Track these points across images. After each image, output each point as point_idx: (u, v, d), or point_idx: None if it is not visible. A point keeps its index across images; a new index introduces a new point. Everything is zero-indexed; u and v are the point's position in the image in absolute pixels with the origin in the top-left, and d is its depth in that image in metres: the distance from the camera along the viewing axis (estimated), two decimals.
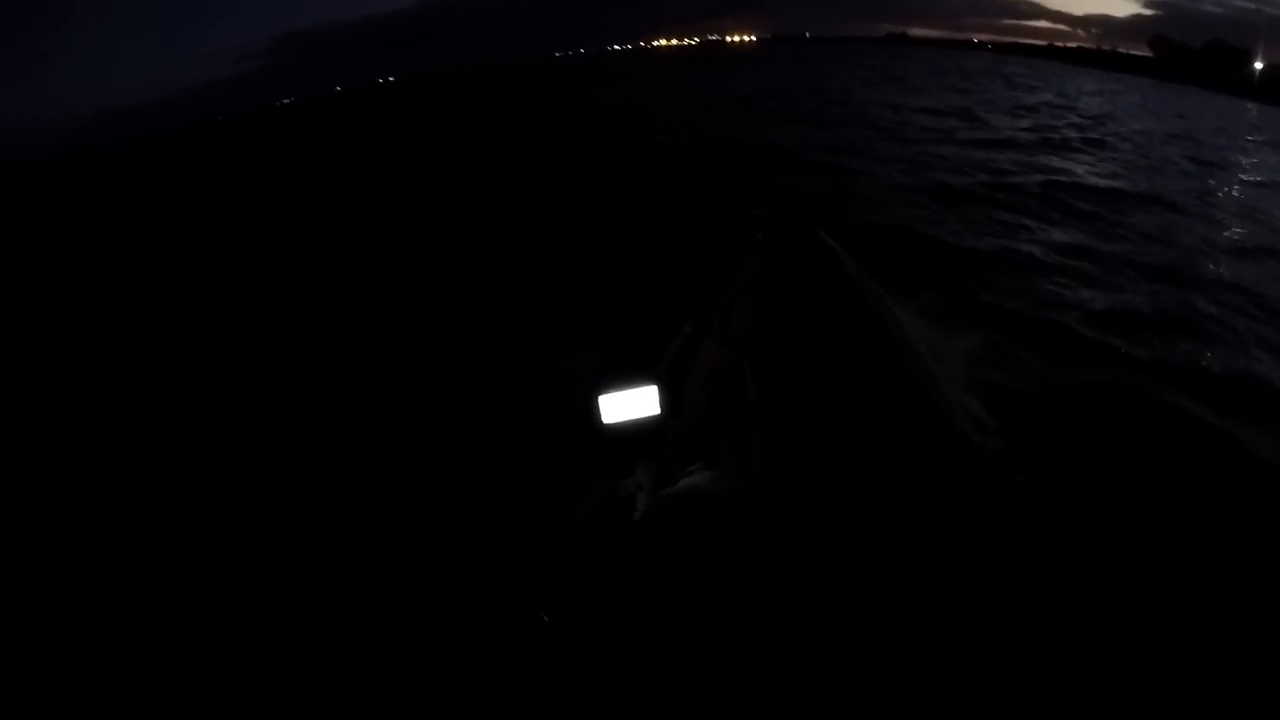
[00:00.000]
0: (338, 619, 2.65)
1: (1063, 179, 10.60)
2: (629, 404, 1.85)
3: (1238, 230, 8.82)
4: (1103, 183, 10.73)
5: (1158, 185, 11.03)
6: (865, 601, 1.29)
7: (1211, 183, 12.21)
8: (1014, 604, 1.32)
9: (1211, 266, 7.42)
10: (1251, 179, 13.30)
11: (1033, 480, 1.61)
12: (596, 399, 1.84)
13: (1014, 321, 5.33)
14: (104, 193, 25.29)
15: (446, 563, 2.74)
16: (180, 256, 10.30)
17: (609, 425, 1.86)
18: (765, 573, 1.15)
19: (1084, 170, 11.65)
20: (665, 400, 1.87)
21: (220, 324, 6.77)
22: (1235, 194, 11.76)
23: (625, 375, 1.85)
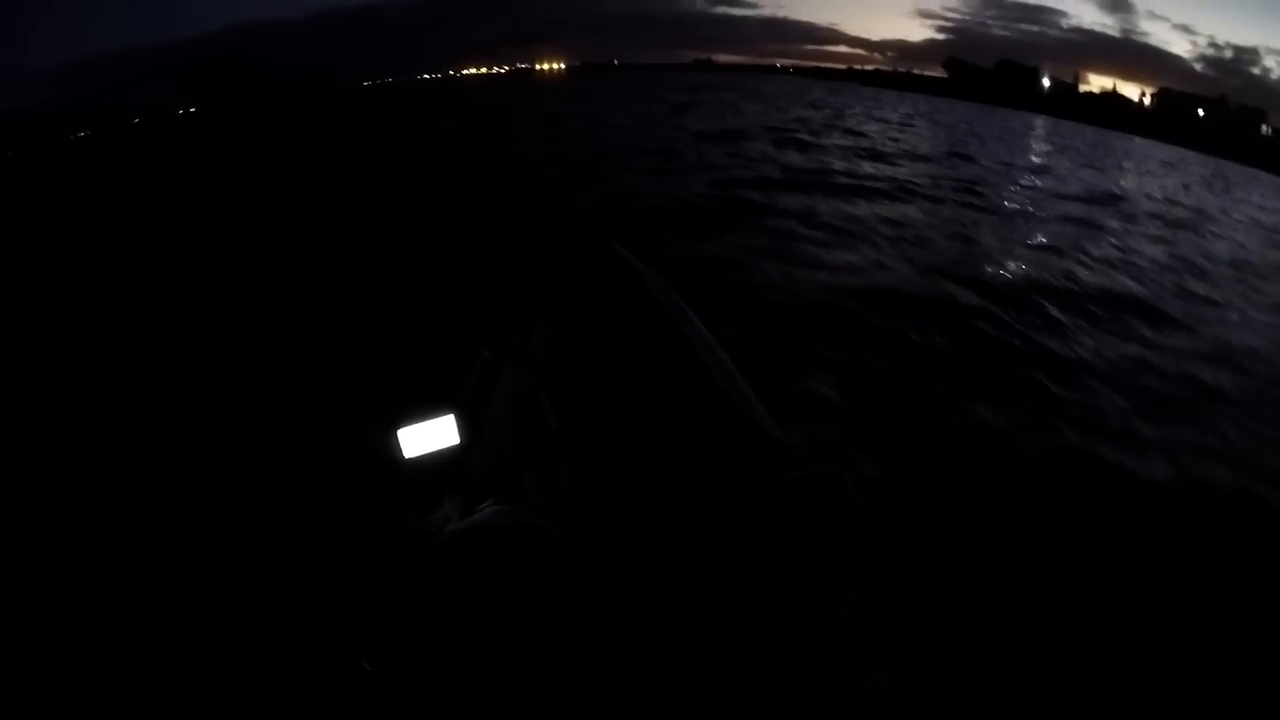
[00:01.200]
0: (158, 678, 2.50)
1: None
2: (428, 436, 1.82)
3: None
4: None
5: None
6: (675, 607, 1.32)
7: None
8: (826, 588, 1.37)
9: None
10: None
11: (836, 470, 1.69)
12: (395, 434, 1.80)
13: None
14: None
15: (261, 617, 2.60)
16: None
17: (410, 459, 1.82)
18: (554, 601, 1.16)
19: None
20: (465, 428, 1.85)
21: None
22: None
23: (423, 406, 1.82)
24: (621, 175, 12.50)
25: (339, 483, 2.98)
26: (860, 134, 22.48)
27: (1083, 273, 8.40)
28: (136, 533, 3.22)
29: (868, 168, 15.19)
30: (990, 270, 7.92)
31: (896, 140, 22.23)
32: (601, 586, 1.31)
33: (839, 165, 15.12)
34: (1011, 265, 8.35)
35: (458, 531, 1.22)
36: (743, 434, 1.93)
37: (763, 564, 1.42)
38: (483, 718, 1.26)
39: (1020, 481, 3.74)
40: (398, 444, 1.81)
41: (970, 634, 2.67)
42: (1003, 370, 5.25)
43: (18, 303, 8.46)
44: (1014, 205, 12.89)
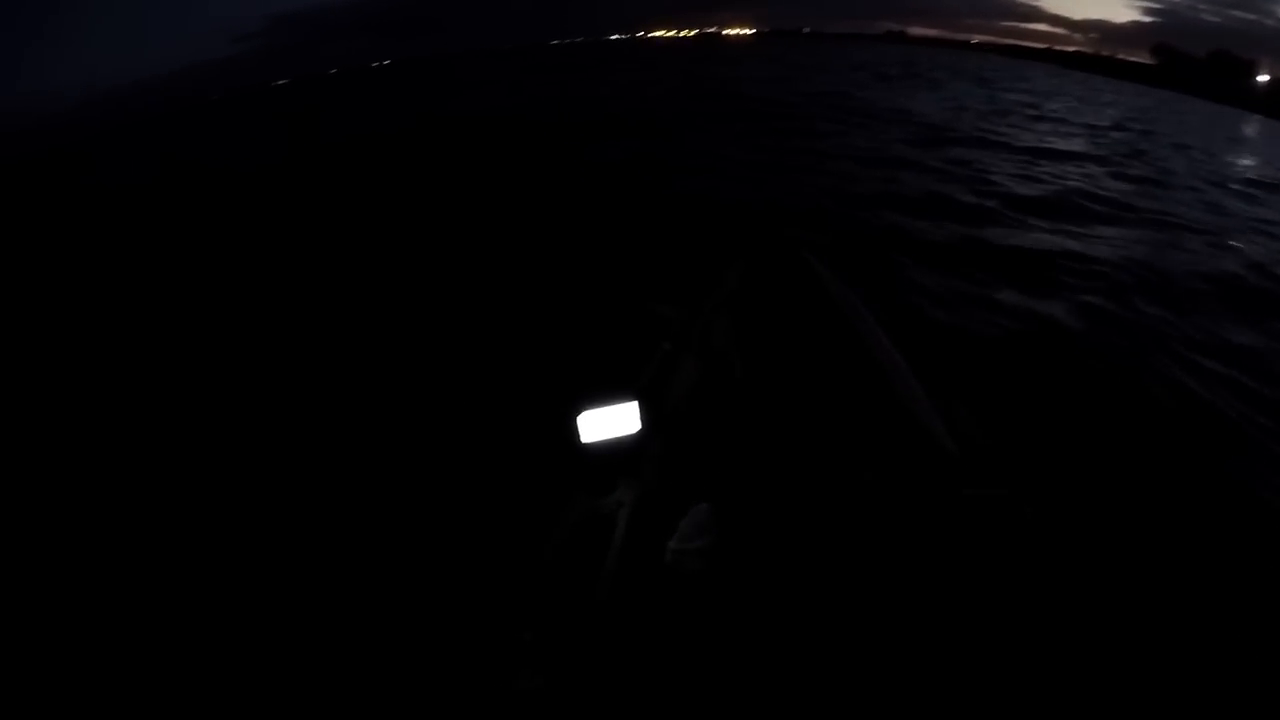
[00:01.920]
0: (320, 636, 2.64)
1: None
2: (609, 421, 1.85)
3: None
4: None
5: None
6: (846, 617, 1.30)
7: None
8: (994, 612, 1.32)
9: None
10: None
11: (1014, 494, 1.60)
12: (576, 417, 1.84)
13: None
14: (88, 175, 25.01)
15: (427, 584, 2.73)
16: (167, 240, 10.21)
17: (589, 443, 1.86)
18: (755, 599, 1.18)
19: None
20: (645, 417, 1.86)
21: (212, 316, 6.72)
22: None
23: (605, 392, 1.85)
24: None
25: (518, 462, 3.09)
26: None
27: None
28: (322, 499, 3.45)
29: None
30: None
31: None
32: (765, 582, 1.30)
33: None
34: None
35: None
36: (917, 445, 1.85)
37: (927, 576, 1.36)
38: (640, 689, 1.28)
39: None
40: (577, 428, 1.84)
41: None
42: None
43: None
44: None
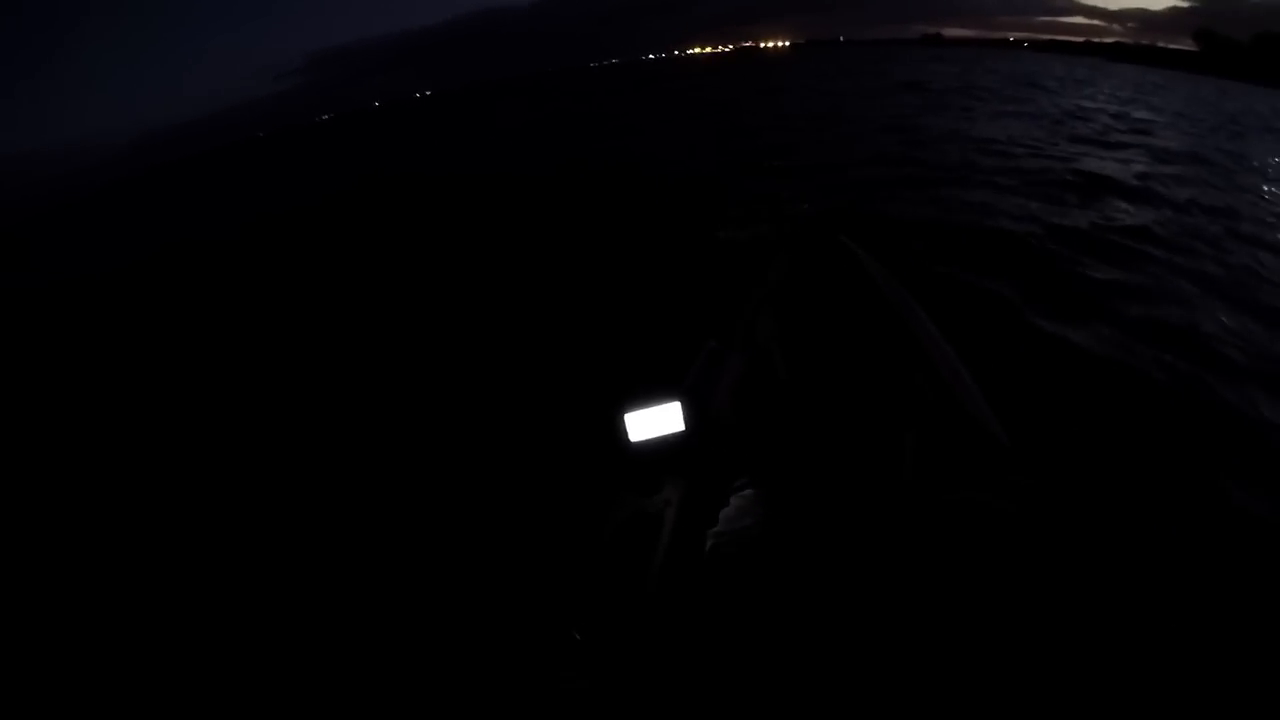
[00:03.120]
0: (362, 630, 2.67)
1: None
2: (654, 421, 1.85)
3: None
4: None
5: None
6: (890, 601, 1.28)
7: None
8: (1026, 600, 1.30)
9: None
10: None
11: (1063, 481, 1.58)
12: (622, 417, 1.85)
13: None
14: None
15: (477, 583, 2.74)
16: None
17: (635, 443, 1.86)
18: (810, 596, 1.17)
19: None
20: (690, 416, 1.86)
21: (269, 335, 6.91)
22: None
23: (650, 392, 1.85)
24: None
25: (565, 461, 3.11)
26: None
27: None
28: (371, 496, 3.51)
29: None
30: None
31: None
32: (813, 573, 1.28)
33: None
34: None
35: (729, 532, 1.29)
36: (966, 434, 1.82)
37: (976, 555, 1.34)
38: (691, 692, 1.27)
39: None
40: (624, 427, 1.85)
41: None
42: None
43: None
44: None
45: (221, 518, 3.67)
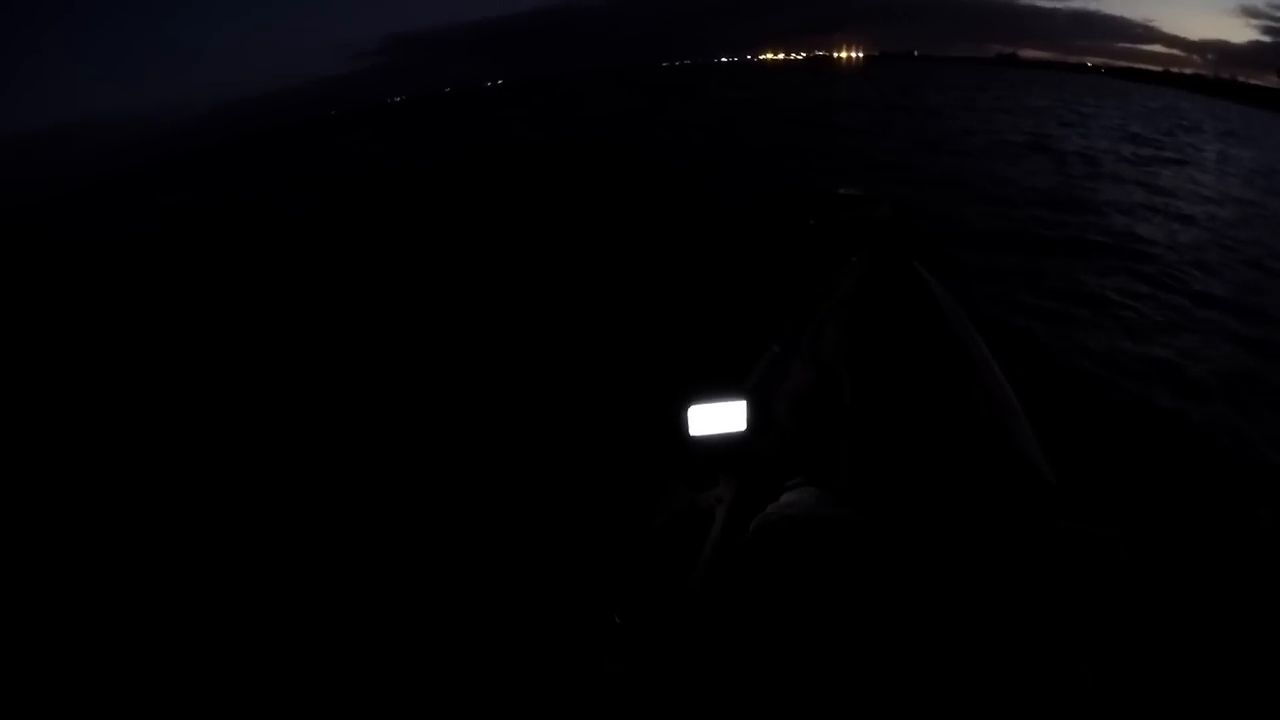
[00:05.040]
0: (404, 609, 2.72)
1: None
2: (717, 417, 1.88)
3: None
4: None
5: None
6: (930, 629, 1.30)
7: None
8: (1078, 650, 1.29)
9: None
10: None
11: (1112, 530, 1.56)
12: (686, 410, 1.87)
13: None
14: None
15: (521, 561, 2.78)
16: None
17: (696, 437, 1.88)
18: (868, 592, 1.18)
19: None
20: (752, 417, 1.88)
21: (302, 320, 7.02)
22: None
23: (715, 388, 1.88)
24: None
25: (622, 446, 3.15)
26: None
27: None
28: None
29: None
30: None
31: None
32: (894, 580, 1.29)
33: None
34: None
35: (787, 511, 1.29)
36: (1016, 470, 1.81)
37: (1010, 609, 1.33)
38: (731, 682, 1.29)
39: None
40: (686, 419, 1.87)
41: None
42: None
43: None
44: None
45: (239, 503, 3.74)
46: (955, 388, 2.03)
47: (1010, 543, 1.47)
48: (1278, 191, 13.18)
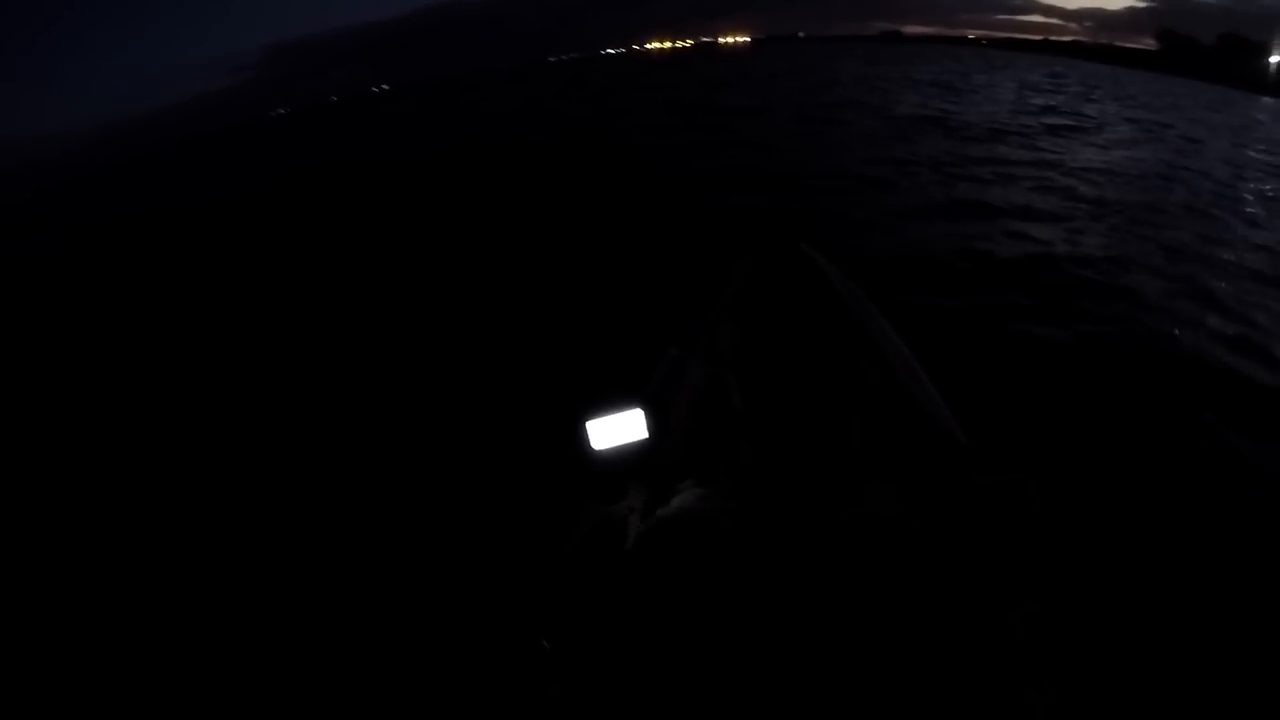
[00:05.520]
0: (335, 651, 2.65)
1: None
2: (617, 429, 1.87)
3: None
4: None
5: None
6: (852, 604, 1.31)
7: None
8: (1004, 600, 1.32)
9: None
10: None
11: (1020, 477, 1.61)
12: (584, 425, 1.86)
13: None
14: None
15: (442, 597, 2.74)
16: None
17: (598, 451, 1.87)
18: (756, 586, 1.18)
19: None
20: (653, 423, 1.88)
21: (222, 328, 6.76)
22: None
23: (612, 399, 1.87)
24: None
25: (526, 470, 3.11)
26: None
27: None
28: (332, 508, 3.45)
29: None
30: None
31: None
32: (785, 572, 1.30)
33: None
34: None
35: (670, 514, 1.28)
36: (928, 435, 1.86)
37: (940, 567, 1.36)
38: (659, 696, 1.29)
39: None
40: (587, 435, 1.86)
41: (1141, 657, 2.47)
42: None
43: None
44: None
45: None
46: (851, 366, 2.07)
47: (928, 504, 1.51)
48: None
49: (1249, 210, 10.46)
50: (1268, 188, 12.43)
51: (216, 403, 5.08)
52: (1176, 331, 5.52)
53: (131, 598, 3.11)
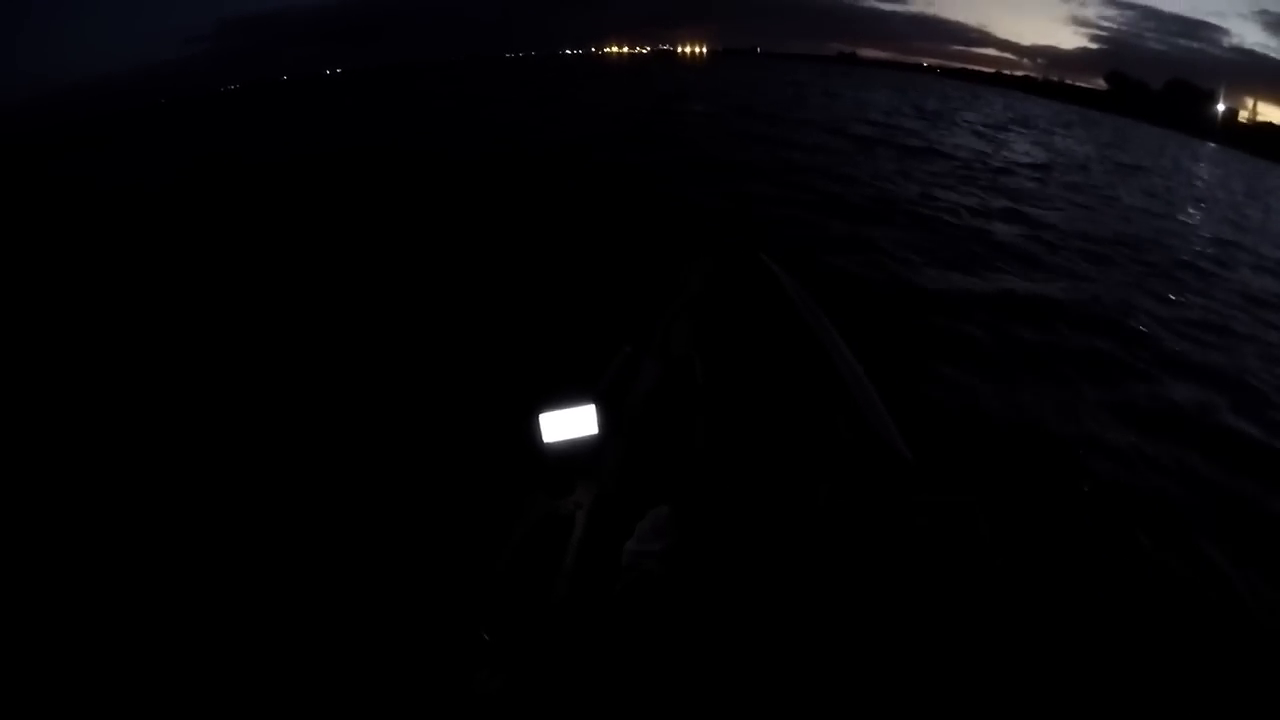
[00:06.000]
0: (274, 634, 2.60)
1: None
2: (568, 423, 1.87)
3: None
4: None
5: None
6: (788, 618, 1.33)
7: None
8: (942, 617, 1.35)
9: None
10: None
11: (967, 499, 1.63)
12: (537, 417, 1.86)
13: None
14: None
15: (384, 582, 2.70)
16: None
17: (549, 444, 1.88)
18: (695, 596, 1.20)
19: None
20: (604, 419, 1.89)
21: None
22: None
23: (565, 394, 1.87)
24: None
25: (476, 460, 3.08)
26: None
27: None
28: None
29: None
30: None
31: None
32: (712, 597, 1.33)
33: None
34: None
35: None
36: (872, 450, 1.89)
37: (877, 584, 1.39)
38: (596, 689, 1.30)
39: None
40: (539, 428, 1.86)
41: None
42: None
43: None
44: None
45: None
46: (805, 376, 2.11)
47: (872, 522, 1.53)
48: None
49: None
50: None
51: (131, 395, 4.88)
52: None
53: (98, 592, 3.01)
